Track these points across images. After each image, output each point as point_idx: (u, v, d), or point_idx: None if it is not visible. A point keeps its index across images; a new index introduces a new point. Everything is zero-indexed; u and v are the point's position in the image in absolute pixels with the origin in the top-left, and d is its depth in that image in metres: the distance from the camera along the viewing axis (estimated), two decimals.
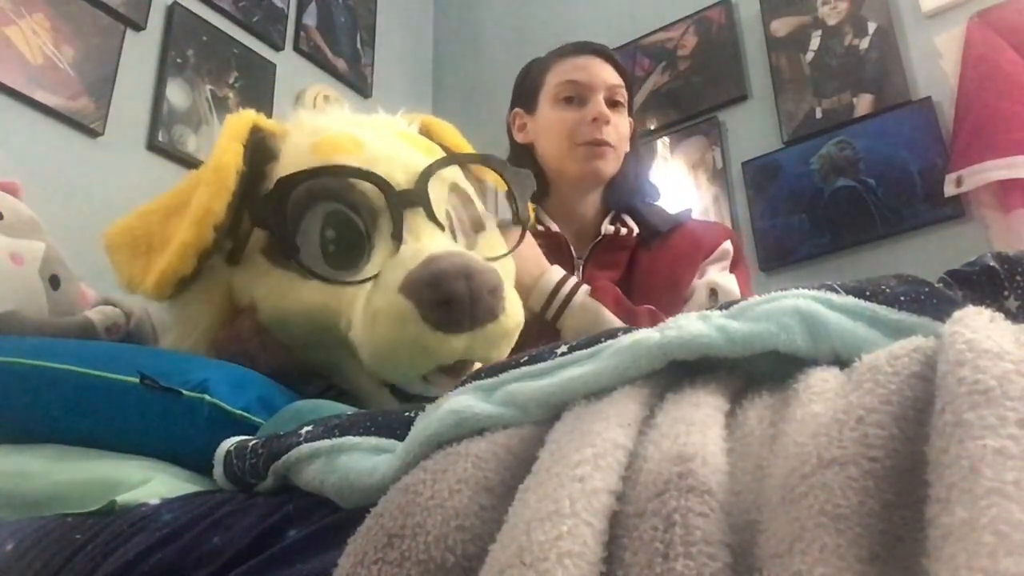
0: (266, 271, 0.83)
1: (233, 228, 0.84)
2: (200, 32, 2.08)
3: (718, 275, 1.21)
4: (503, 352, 0.81)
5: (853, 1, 2.12)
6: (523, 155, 1.32)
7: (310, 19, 2.47)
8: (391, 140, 0.91)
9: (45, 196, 1.38)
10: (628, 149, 1.32)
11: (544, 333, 1.05)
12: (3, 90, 1.59)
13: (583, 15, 2.58)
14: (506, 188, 0.98)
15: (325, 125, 0.91)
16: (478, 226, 0.95)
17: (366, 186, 0.81)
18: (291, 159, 0.87)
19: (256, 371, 0.82)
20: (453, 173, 0.92)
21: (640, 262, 1.25)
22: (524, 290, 1.06)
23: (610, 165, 1.26)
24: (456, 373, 0.78)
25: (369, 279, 0.78)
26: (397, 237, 0.80)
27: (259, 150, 0.87)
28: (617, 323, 1.06)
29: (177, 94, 1.97)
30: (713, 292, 1.17)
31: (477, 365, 0.83)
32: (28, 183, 1.12)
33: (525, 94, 1.35)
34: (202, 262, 0.81)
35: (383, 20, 2.75)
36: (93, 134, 1.75)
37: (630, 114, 1.34)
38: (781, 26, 2.21)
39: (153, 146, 1.87)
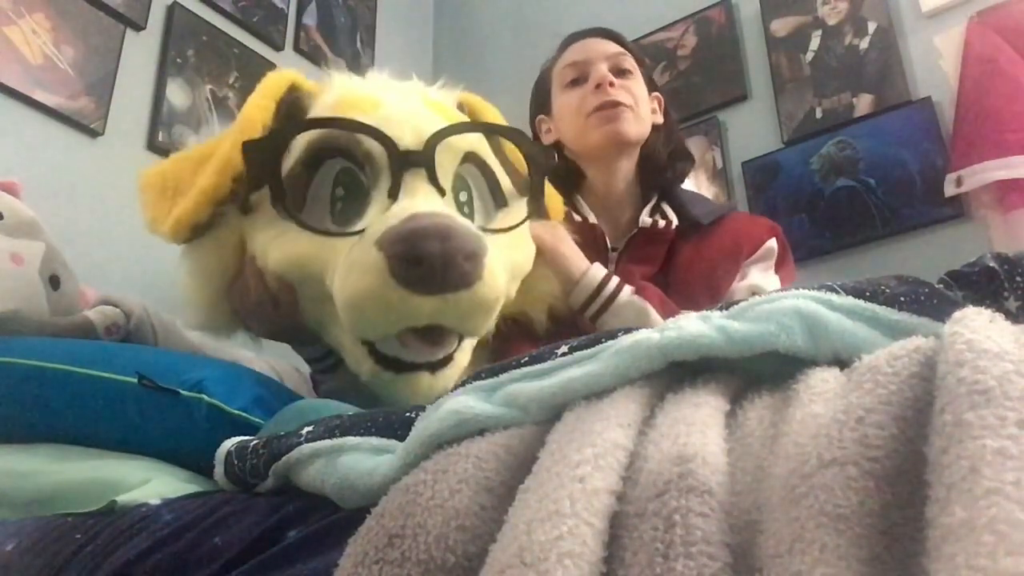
0: (272, 221, 0.84)
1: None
2: (200, 32, 2.08)
3: (760, 277, 1.15)
4: (479, 324, 0.79)
5: (853, 1, 2.12)
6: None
7: (310, 19, 2.47)
8: (413, 103, 0.91)
9: (45, 196, 1.38)
10: (658, 120, 1.27)
11: (582, 332, 1.02)
12: (3, 90, 1.59)
13: (583, 15, 2.57)
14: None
15: (354, 85, 0.94)
16: (500, 202, 0.93)
17: (372, 144, 0.82)
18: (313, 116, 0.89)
19: (266, 328, 0.87)
20: (471, 143, 0.91)
21: (678, 256, 1.18)
22: (565, 287, 1.04)
23: (631, 125, 1.19)
24: (432, 339, 0.77)
25: (355, 232, 0.77)
26: (393, 195, 0.80)
27: (294, 108, 0.90)
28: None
29: (177, 94, 1.97)
30: (755, 296, 1.12)
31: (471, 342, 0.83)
32: (28, 183, 1.12)
33: (541, 99, 1.33)
34: (216, 209, 0.84)
35: (383, 20, 2.75)
36: (93, 134, 1.74)
37: (653, 89, 1.30)
38: (781, 26, 2.21)
39: (153, 146, 1.87)
